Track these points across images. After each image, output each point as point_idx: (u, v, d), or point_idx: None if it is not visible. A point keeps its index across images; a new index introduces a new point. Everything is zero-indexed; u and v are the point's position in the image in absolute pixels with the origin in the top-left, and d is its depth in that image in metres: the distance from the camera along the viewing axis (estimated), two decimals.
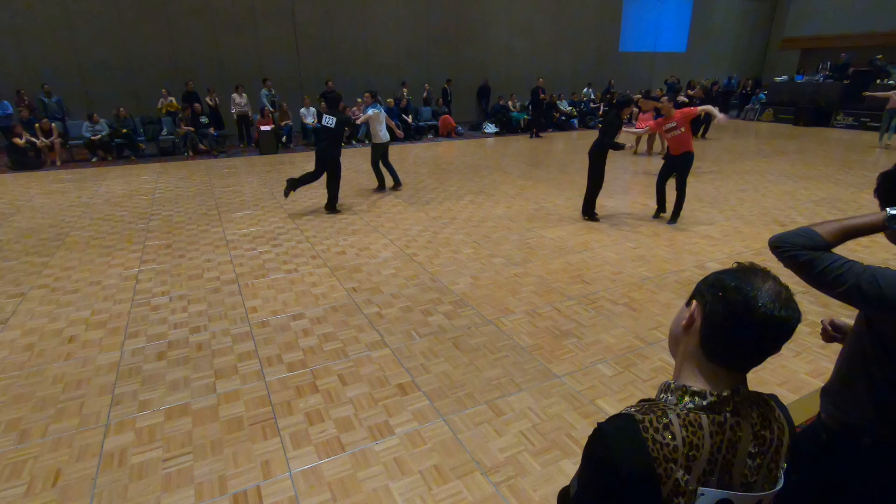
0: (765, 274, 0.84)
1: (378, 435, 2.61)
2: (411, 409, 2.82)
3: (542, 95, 13.86)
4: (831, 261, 1.22)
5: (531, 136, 14.09)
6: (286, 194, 6.73)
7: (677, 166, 6.00)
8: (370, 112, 7.56)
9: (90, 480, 2.33)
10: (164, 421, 2.72)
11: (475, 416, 2.75)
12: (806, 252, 1.25)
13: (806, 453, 1.42)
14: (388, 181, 8.11)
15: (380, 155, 7.86)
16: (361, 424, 2.69)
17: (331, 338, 3.58)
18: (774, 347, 0.83)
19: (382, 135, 7.65)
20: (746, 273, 0.85)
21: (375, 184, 8.14)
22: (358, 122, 8.02)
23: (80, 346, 3.48)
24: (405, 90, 13.80)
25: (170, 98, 11.68)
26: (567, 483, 0.94)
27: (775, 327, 0.80)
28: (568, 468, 2.38)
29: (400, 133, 8.31)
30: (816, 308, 3.99)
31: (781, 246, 1.29)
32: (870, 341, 1.31)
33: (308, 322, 3.80)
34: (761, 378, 3.10)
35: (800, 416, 2.75)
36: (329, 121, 6.49)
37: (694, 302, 0.89)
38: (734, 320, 0.82)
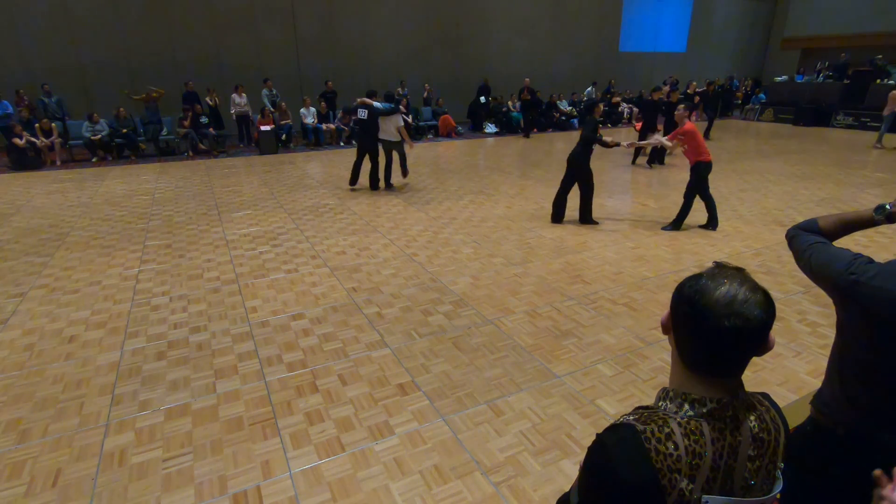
0: (724, 277, 0.80)
1: (378, 435, 2.61)
2: (411, 409, 2.82)
3: (525, 94, 13.66)
4: (804, 239, 1.36)
5: (526, 136, 13.98)
6: (388, 185, 8.04)
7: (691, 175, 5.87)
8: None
9: (90, 480, 2.33)
10: (164, 421, 2.72)
11: (475, 416, 2.75)
12: (795, 230, 1.41)
13: (793, 448, 1.44)
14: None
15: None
16: (361, 424, 2.69)
17: (331, 338, 3.58)
18: (742, 353, 0.80)
19: (381, 133, 7.74)
20: (704, 278, 0.82)
21: (373, 184, 8.18)
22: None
23: (80, 346, 3.48)
24: (400, 89, 13.61)
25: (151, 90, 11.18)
26: (566, 483, 0.94)
27: (728, 336, 0.77)
28: (568, 468, 2.38)
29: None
30: (816, 308, 4.00)
31: (788, 231, 1.44)
32: (840, 332, 1.35)
33: (308, 322, 3.80)
34: (762, 378, 3.11)
35: (799, 417, 2.75)
36: (363, 114, 7.48)
37: (667, 310, 0.89)
38: (688, 331, 0.81)
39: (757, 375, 3.13)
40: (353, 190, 7.91)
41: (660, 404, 0.87)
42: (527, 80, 14.00)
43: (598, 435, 0.84)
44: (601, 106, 6.09)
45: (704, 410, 0.81)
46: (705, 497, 0.79)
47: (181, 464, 2.42)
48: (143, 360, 3.30)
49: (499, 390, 2.98)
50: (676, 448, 0.78)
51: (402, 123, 7.76)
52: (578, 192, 6.11)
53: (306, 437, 2.59)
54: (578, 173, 5.97)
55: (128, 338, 3.58)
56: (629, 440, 0.79)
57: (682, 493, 0.78)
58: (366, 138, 7.62)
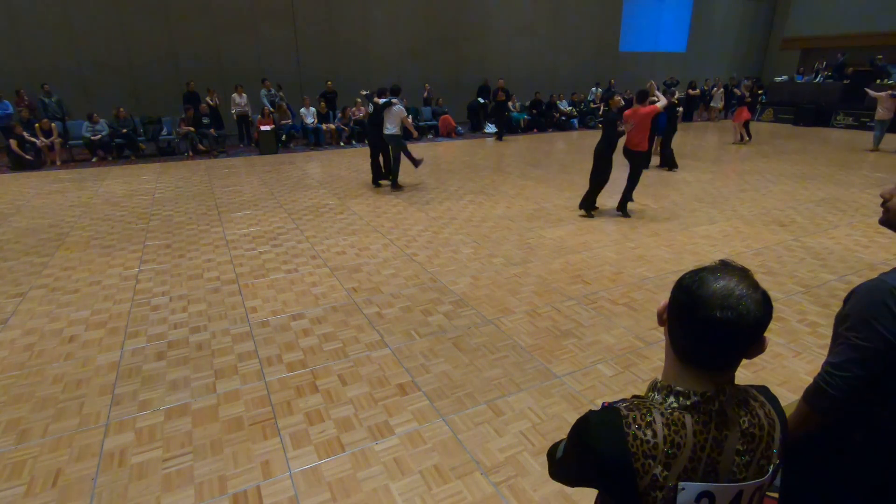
0: (725, 273, 0.80)
1: (378, 435, 2.61)
2: (411, 409, 2.82)
3: (501, 95, 13.41)
4: (815, 387, 1.28)
5: (499, 139, 13.50)
6: (396, 186, 8.03)
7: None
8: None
9: (90, 480, 2.33)
10: (164, 421, 2.72)
11: (475, 416, 2.75)
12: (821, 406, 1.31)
13: (802, 456, 1.43)
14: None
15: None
16: (361, 424, 2.69)
17: (331, 338, 3.58)
18: (732, 348, 0.80)
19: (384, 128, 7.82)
20: (705, 271, 0.82)
21: (371, 182, 8.22)
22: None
23: (80, 346, 3.48)
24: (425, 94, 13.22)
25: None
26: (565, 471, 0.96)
27: (719, 328, 0.77)
28: None
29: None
30: (816, 308, 3.99)
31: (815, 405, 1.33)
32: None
33: (308, 322, 3.80)
34: (762, 378, 3.10)
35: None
36: (371, 108, 7.93)
37: (664, 300, 0.90)
38: (682, 320, 0.82)
39: (757, 375, 3.13)
40: (378, 186, 8.18)
41: (649, 394, 0.89)
42: (501, 80, 13.61)
43: (588, 412, 0.89)
44: (617, 98, 6.42)
45: (688, 403, 0.83)
46: (682, 483, 0.81)
47: (181, 464, 2.42)
48: (143, 360, 3.30)
49: (499, 390, 2.98)
50: (654, 436, 0.81)
51: (404, 114, 7.69)
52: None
53: (306, 437, 2.59)
54: (603, 164, 6.23)
55: (128, 338, 3.58)
56: (610, 422, 0.84)
57: (656, 479, 0.81)
58: (373, 133, 7.98)
